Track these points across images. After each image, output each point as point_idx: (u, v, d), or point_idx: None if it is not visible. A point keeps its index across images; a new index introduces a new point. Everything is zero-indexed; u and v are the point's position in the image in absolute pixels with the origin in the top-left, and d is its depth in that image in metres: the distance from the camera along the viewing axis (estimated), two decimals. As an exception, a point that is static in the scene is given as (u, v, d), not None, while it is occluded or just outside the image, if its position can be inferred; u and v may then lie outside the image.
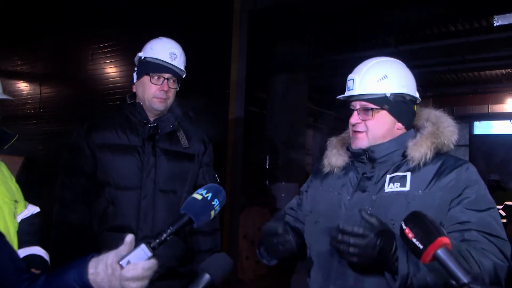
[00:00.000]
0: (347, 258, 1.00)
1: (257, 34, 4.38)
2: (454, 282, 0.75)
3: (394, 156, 1.18)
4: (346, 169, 1.26)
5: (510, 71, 7.88)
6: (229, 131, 3.82)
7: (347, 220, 1.14)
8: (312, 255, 1.23)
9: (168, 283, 1.59)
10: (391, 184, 1.14)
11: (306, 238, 1.26)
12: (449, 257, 0.76)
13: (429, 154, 1.13)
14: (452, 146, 1.17)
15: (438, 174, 1.11)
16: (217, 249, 1.76)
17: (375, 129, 1.18)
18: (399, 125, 1.20)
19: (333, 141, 1.34)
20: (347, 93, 1.22)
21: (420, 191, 1.10)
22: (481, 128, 12.91)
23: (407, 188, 1.11)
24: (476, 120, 12.57)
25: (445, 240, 0.78)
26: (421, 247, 0.78)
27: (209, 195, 0.93)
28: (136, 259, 0.80)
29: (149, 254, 0.81)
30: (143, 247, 0.81)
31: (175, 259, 1.64)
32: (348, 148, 1.27)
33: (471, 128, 13.02)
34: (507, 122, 11.70)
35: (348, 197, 1.19)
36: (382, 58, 1.25)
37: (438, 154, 1.16)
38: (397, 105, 1.18)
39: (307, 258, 1.26)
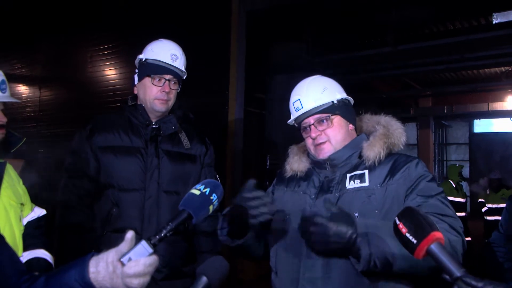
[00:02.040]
0: (312, 247, 1.10)
1: (256, 34, 4.38)
2: (447, 277, 0.76)
3: (352, 159, 1.30)
4: (308, 173, 1.35)
5: (510, 69, 7.88)
6: (228, 131, 3.83)
7: None
8: (279, 252, 1.28)
9: (172, 283, 1.59)
10: (352, 182, 1.24)
11: (272, 237, 1.32)
12: (442, 251, 0.77)
13: (382, 153, 1.24)
14: (401, 146, 1.29)
15: (392, 170, 1.22)
16: (219, 249, 1.76)
17: (335, 135, 1.29)
18: (351, 126, 1.35)
19: (294, 149, 1.44)
20: (298, 113, 1.33)
21: (378, 185, 1.21)
22: (481, 126, 12.93)
23: (367, 183, 1.22)
24: (476, 118, 12.59)
25: (438, 234, 0.79)
26: (415, 241, 0.79)
27: (207, 190, 0.93)
28: (137, 256, 0.79)
29: (150, 250, 0.81)
30: (143, 243, 0.81)
31: (179, 259, 1.65)
32: (309, 156, 1.38)
33: (471, 126, 13.04)
34: (507, 120, 11.71)
35: (313, 196, 1.27)
36: (311, 77, 1.39)
37: (390, 153, 1.27)
38: (344, 109, 1.33)
39: (272, 256, 1.32)
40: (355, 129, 1.37)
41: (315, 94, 1.31)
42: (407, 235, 0.80)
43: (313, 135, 1.30)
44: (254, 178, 1.25)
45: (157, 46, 1.69)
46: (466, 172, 13.10)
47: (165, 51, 1.66)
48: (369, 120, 1.39)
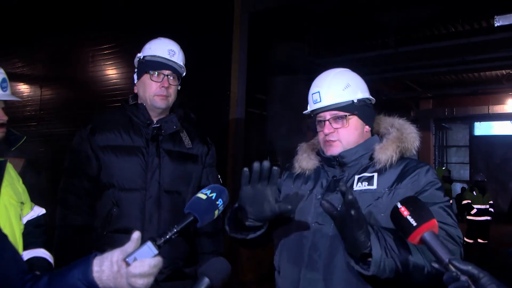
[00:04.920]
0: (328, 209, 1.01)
1: (257, 35, 4.38)
2: (437, 265, 0.79)
3: (363, 159, 1.27)
4: (316, 171, 1.32)
5: (510, 72, 7.88)
6: (230, 132, 3.82)
7: (317, 216, 1.22)
8: (283, 251, 1.27)
9: (174, 284, 1.58)
10: (359, 184, 1.22)
11: (276, 235, 1.31)
12: (436, 239, 0.82)
13: (395, 157, 1.22)
14: (414, 151, 1.27)
15: (402, 175, 1.20)
16: (221, 250, 1.75)
17: (348, 136, 1.26)
18: (367, 127, 1.31)
19: (303, 146, 1.42)
20: (315, 106, 1.29)
21: (386, 189, 1.19)
22: (482, 128, 12.93)
23: (374, 186, 1.20)
24: (477, 121, 12.60)
25: (436, 222, 0.84)
26: (415, 224, 0.83)
27: (214, 194, 0.94)
28: (142, 256, 0.80)
29: (155, 251, 0.81)
30: (149, 244, 0.81)
31: (181, 260, 1.63)
32: (318, 153, 1.35)
33: (471, 129, 13.04)
34: (507, 122, 11.71)
35: (319, 197, 1.25)
36: (337, 69, 1.34)
37: (401, 158, 1.24)
38: (364, 109, 1.28)
39: (276, 255, 1.30)
40: (371, 130, 1.33)
41: (336, 90, 1.26)
42: (408, 217, 0.84)
43: (326, 131, 1.26)
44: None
45: (155, 43, 1.69)
46: (466, 174, 13.09)
47: (162, 47, 1.66)
48: (382, 121, 1.36)
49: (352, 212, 0.96)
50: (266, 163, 1.08)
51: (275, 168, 1.08)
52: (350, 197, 0.96)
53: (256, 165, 1.07)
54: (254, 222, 1.15)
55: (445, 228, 1.10)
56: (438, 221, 1.08)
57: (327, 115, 1.27)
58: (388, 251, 1.01)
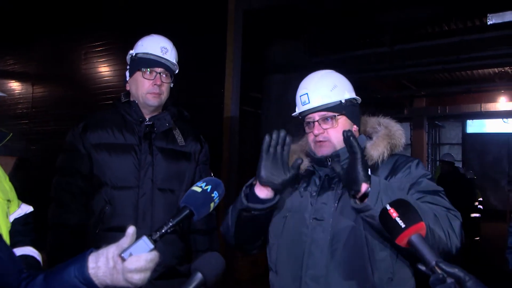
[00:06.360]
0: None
1: (252, 33, 4.36)
2: (423, 268, 0.80)
3: None
4: (307, 171, 1.33)
5: (503, 70, 7.96)
6: (224, 130, 3.81)
7: (314, 212, 1.23)
8: (280, 250, 1.27)
9: (167, 282, 1.57)
10: None
11: (272, 234, 1.30)
12: (423, 241, 0.83)
13: (386, 153, 1.25)
14: (401, 148, 1.30)
15: (394, 169, 1.24)
16: (215, 248, 1.75)
17: (338, 136, 1.26)
18: (355, 127, 1.32)
19: (292, 147, 1.41)
20: (304, 107, 1.31)
21: None
22: (474, 126, 13.05)
23: None
24: (469, 119, 12.71)
25: (424, 225, 0.85)
26: (403, 226, 0.84)
27: (209, 187, 0.93)
28: (138, 251, 0.79)
29: (151, 246, 0.80)
30: (144, 239, 0.80)
31: (175, 258, 1.63)
32: (307, 154, 1.35)
33: (464, 126, 13.16)
34: (499, 120, 11.83)
35: (314, 194, 1.26)
36: (323, 71, 1.37)
37: (391, 154, 1.28)
38: (351, 109, 1.31)
39: (271, 255, 1.29)
40: (358, 130, 1.35)
41: (324, 91, 1.28)
42: (397, 219, 0.85)
43: (316, 132, 1.28)
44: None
45: (147, 41, 1.68)
46: (459, 172, 13.22)
47: (154, 44, 1.65)
48: (367, 121, 1.38)
49: (358, 155, 1.06)
50: (282, 132, 1.16)
51: (288, 136, 1.16)
52: (354, 145, 1.06)
53: (274, 134, 1.16)
54: (270, 190, 1.17)
55: (448, 212, 1.15)
56: (442, 207, 1.15)
57: (316, 116, 1.28)
58: (387, 188, 1.06)
